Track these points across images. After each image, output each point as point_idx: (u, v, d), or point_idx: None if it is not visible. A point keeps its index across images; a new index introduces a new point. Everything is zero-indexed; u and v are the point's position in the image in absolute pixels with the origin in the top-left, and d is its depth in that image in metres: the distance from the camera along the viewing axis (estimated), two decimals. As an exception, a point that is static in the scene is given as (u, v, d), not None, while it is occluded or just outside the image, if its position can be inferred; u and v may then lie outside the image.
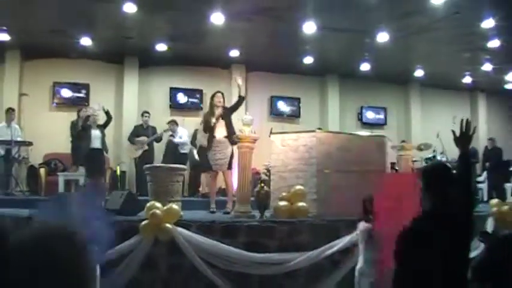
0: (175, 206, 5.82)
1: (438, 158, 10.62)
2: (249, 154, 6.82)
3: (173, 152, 11.07)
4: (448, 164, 3.35)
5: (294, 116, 13.49)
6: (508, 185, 11.77)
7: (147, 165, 7.07)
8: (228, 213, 7.30)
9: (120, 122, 11.66)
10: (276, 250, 5.90)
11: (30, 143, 10.06)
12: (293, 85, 13.43)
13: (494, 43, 10.40)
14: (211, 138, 7.75)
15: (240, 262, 5.59)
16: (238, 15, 9.22)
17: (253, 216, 6.57)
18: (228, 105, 8.16)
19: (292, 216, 6.45)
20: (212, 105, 7.92)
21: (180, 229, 5.58)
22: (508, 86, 13.76)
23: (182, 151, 11.05)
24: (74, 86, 11.81)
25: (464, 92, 14.96)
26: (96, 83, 11.91)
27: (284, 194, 6.80)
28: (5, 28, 9.99)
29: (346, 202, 6.25)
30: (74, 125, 10.08)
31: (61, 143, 10.85)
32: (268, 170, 8.48)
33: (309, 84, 13.72)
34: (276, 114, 13.28)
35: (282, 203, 6.64)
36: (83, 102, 11.47)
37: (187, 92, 12.57)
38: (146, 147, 10.73)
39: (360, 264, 4.89)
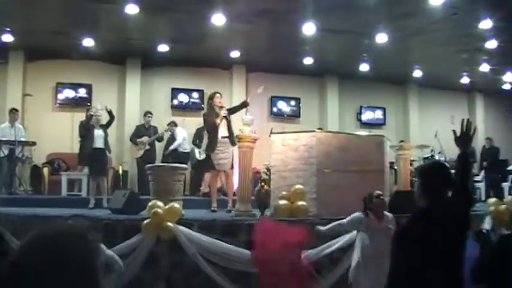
0: (176, 205, 5.88)
1: (436, 157, 10.68)
2: (250, 154, 6.89)
3: (173, 149, 11.13)
4: (446, 163, 3.38)
5: (294, 116, 13.58)
6: (505, 184, 11.84)
7: (149, 165, 7.15)
8: (230, 211, 7.37)
9: (122, 122, 11.75)
10: (276, 248, 5.97)
11: (33, 143, 10.15)
12: (293, 85, 13.52)
13: (491, 44, 10.46)
14: (215, 138, 7.80)
15: (241, 260, 5.64)
16: (238, 17, 9.31)
17: (253, 215, 6.65)
18: (226, 105, 8.23)
19: (292, 215, 6.55)
20: (213, 106, 7.95)
21: (181, 228, 5.65)
22: (505, 87, 13.82)
23: (182, 150, 11.11)
24: (77, 87, 11.90)
25: (462, 92, 15.04)
26: (99, 83, 12.00)
27: (284, 193, 6.89)
28: (8, 29, 10.07)
29: (345, 201, 6.33)
30: (82, 125, 10.13)
31: (64, 143, 10.97)
32: (269, 170, 8.57)
33: (309, 84, 13.81)
34: (276, 114, 13.38)
35: (282, 202, 6.73)
36: (86, 102, 11.58)
37: (189, 92, 12.68)
38: (148, 147, 10.83)
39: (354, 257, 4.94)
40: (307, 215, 6.63)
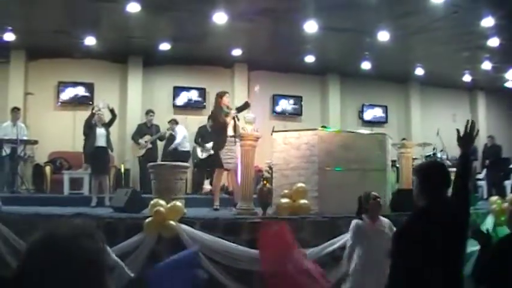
0: (178, 204, 5.88)
1: (438, 155, 10.66)
2: (252, 152, 6.88)
3: (173, 148, 11.12)
4: (446, 162, 3.38)
5: (296, 114, 13.58)
6: (507, 182, 11.85)
7: (151, 163, 7.15)
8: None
9: (124, 121, 11.76)
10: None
11: (35, 142, 10.16)
12: (295, 84, 13.53)
13: (493, 42, 10.45)
14: (224, 137, 7.81)
15: (243, 259, 5.64)
16: (240, 15, 9.31)
17: (255, 214, 6.64)
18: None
19: (294, 213, 6.55)
20: (221, 105, 7.96)
21: (183, 226, 5.65)
22: (507, 84, 13.80)
23: (182, 149, 11.09)
24: (79, 86, 11.91)
25: (464, 90, 15.03)
26: (101, 82, 12.01)
27: (286, 191, 6.89)
28: (10, 28, 10.08)
29: (347, 199, 6.32)
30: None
31: (66, 142, 10.98)
32: (271, 168, 8.57)
33: (311, 83, 13.82)
34: (278, 112, 13.39)
35: (284, 200, 6.74)
36: (88, 101, 11.60)
37: (191, 90, 12.69)
38: (150, 146, 10.83)
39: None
40: (309, 213, 6.63)
